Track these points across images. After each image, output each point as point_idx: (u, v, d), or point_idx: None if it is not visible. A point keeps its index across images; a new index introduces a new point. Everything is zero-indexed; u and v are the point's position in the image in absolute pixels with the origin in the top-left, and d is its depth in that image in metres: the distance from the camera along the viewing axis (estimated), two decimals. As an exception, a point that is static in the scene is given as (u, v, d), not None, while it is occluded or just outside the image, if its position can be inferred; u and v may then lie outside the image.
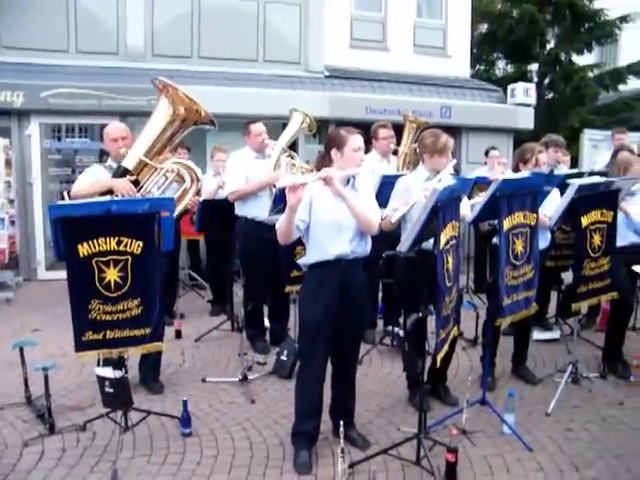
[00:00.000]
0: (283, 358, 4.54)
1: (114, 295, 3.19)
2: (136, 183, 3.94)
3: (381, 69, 10.60)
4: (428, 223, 3.01)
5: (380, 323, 5.46)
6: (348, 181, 3.19)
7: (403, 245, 2.93)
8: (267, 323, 5.30)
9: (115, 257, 3.15)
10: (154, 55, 9.02)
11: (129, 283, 3.20)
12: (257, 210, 4.83)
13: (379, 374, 4.65)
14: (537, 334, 5.38)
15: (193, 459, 3.34)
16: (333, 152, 3.17)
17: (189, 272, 7.71)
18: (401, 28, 10.89)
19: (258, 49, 9.67)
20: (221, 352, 5.13)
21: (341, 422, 3.01)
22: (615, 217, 4.19)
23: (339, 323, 3.22)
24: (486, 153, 7.85)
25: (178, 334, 5.50)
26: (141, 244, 3.19)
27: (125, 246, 3.16)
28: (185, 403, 3.58)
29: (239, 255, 5.13)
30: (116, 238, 3.13)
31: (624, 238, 4.43)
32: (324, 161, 3.24)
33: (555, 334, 5.47)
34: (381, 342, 5.14)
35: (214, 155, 6.48)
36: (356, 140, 3.14)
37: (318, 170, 3.18)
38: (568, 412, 3.95)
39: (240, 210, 5.01)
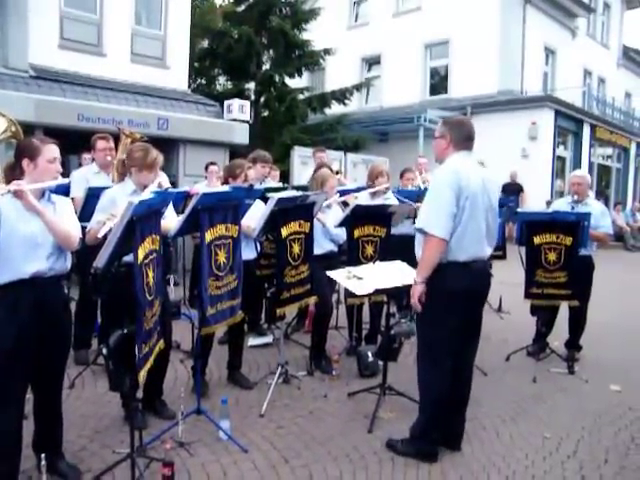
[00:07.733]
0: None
1: None
2: None
3: (96, 75, 10.14)
4: (125, 237, 2.95)
5: (95, 342, 5.17)
6: (44, 194, 2.99)
7: (100, 260, 2.83)
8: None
9: None
10: None
11: None
12: None
13: (92, 396, 4.39)
14: (252, 340, 5.65)
15: None
16: (25, 163, 2.93)
17: None
18: (118, 34, 10.54)
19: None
20: None
21: (42, 455, 2.80)
22: (312, 227, 4.58)
23: (38, 348, 2.96)
24: (206, 168, 7.95)
25: None
26: None
27: None
28: None
29: None
30: None
31: (321, 246, 4.93)
32: (14, 172, 2.97)
33: (268, 339, 5.79)
34: (95, 362, 4.87)
35: None
36: (51, 150, 2.95)
37: (8, 182, 2.91)
38: (280, 410, 4.22)
39: None
